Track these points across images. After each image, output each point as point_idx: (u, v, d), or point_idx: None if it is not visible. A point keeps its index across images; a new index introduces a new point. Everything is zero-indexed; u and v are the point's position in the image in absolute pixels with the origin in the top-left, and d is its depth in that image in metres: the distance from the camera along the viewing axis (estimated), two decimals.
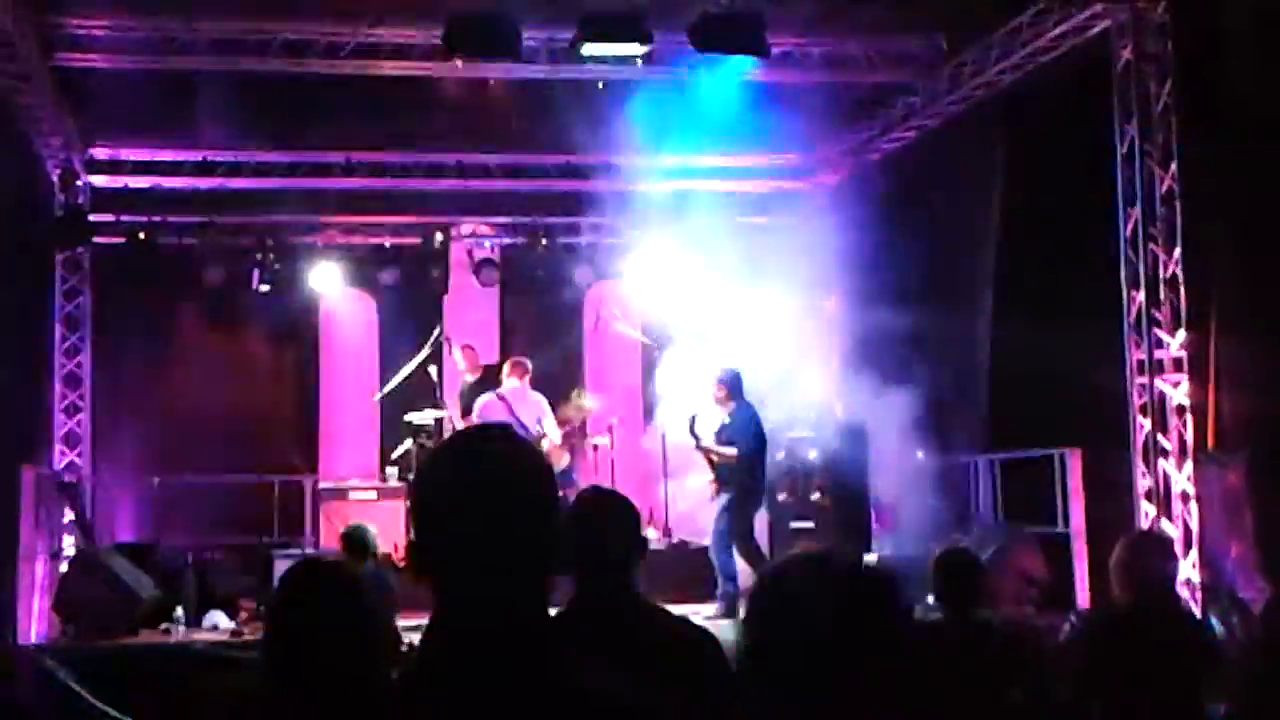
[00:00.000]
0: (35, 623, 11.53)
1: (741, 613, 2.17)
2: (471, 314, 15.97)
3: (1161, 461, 10.43)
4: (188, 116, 13.43)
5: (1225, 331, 10.16)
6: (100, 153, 14.75)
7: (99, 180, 14.90)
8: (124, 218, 14.96)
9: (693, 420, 11.56)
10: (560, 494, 2.32)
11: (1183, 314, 10.38)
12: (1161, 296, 10.50)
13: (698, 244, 15.03)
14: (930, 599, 6.23)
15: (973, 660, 5.81)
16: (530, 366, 13.00)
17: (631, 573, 3.95)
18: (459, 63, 11.39)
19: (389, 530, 11.85)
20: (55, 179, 14.51)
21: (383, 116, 13.79)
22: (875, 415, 12.64)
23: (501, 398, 12.65)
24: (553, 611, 3.73)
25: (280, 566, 11.38)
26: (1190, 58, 10.33)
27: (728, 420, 11.55)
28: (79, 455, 14.59)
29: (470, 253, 16.02)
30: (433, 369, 14.02)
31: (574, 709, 2.12)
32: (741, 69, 11.73)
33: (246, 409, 15.41)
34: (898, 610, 2.05)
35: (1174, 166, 10.42)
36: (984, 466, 12.80)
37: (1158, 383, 10.51)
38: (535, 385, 12.98)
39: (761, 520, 12.14)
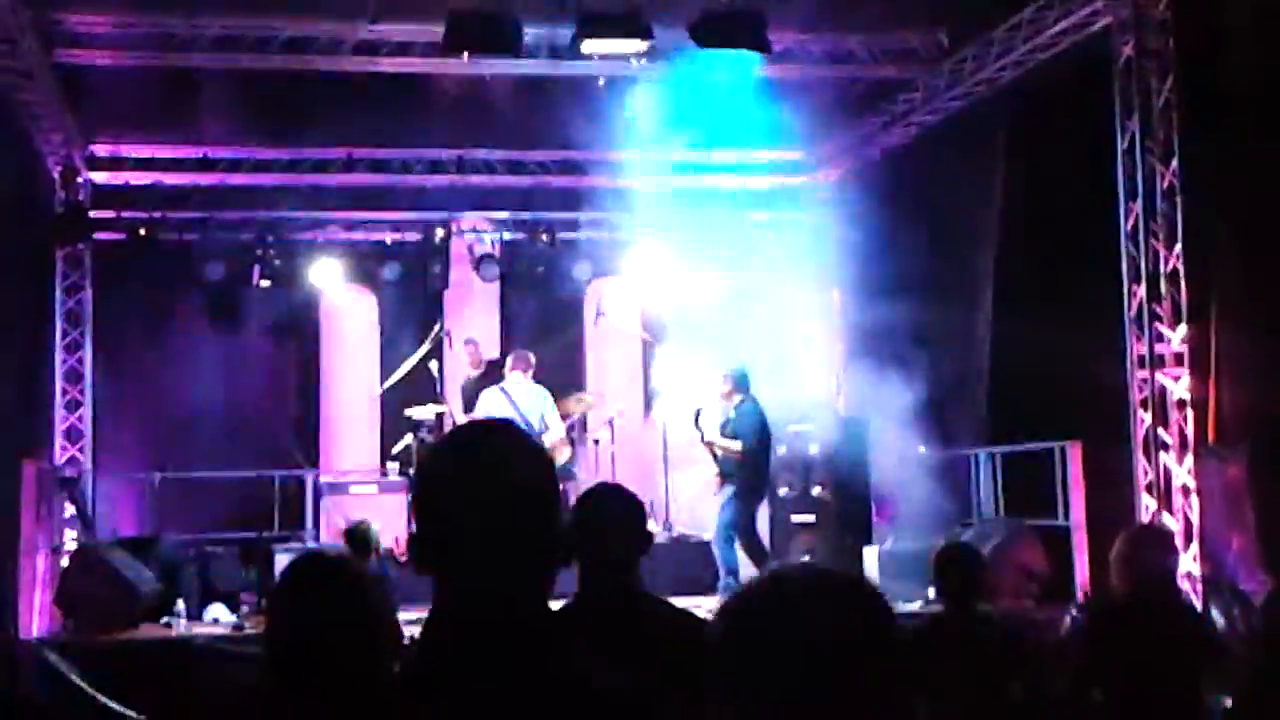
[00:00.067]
0: (36, 617, 11.53)
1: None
2: (472, 310, 15.97)
3: (1162, 455, 10.43)
4: (188, 113, 13.44)
5: (1226, 326, 10.17)
6: (101, 149, 14.76)
7: (100, 176, 14.91)
8: (125, 214, 14.95)
9: (698, 414, 11.62)
10: (561, 488, 2.32)
11: (1183, 308, 10.39)
12: (1162, 291, 10.51)
13: (698, 239, 15.04)
14: (931, 592, 6.24)
15: (973, 653, 5.82)
16: (533, 360, 13.02)
17: (636, 567, 3.96)
18: (465, 56, 11.38)
19: (390, 525, 11.86)
20: (56, 175, 14.51)
21: (383, 113, 13.80)
22: (876, 409, 12.66)
23: (504, 392, 12.67)
24: (558, 605, 3.76)
25: (281, 561, 11.40)
26: (1191, 54, 10.33)
27: (733, 415, 11.61)
28: (80, 450, 14.60)
29: (471, 248, 16.01)
30: (433, 364, 14.03)
31: (575, 702, 2.12)
32: (743, 65, 11.74)
33: (247, 404, 15.42)
34: (885, 632, 2.02)
35: (1174, 162, 10.43)
36: (984, 460, 12.80)
37: (1158, 377, 10.51)
38: (536, 380, 12.98)
39: (762, 514, 12.17)
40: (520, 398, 12.57)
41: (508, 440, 2.27)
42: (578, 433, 14.06)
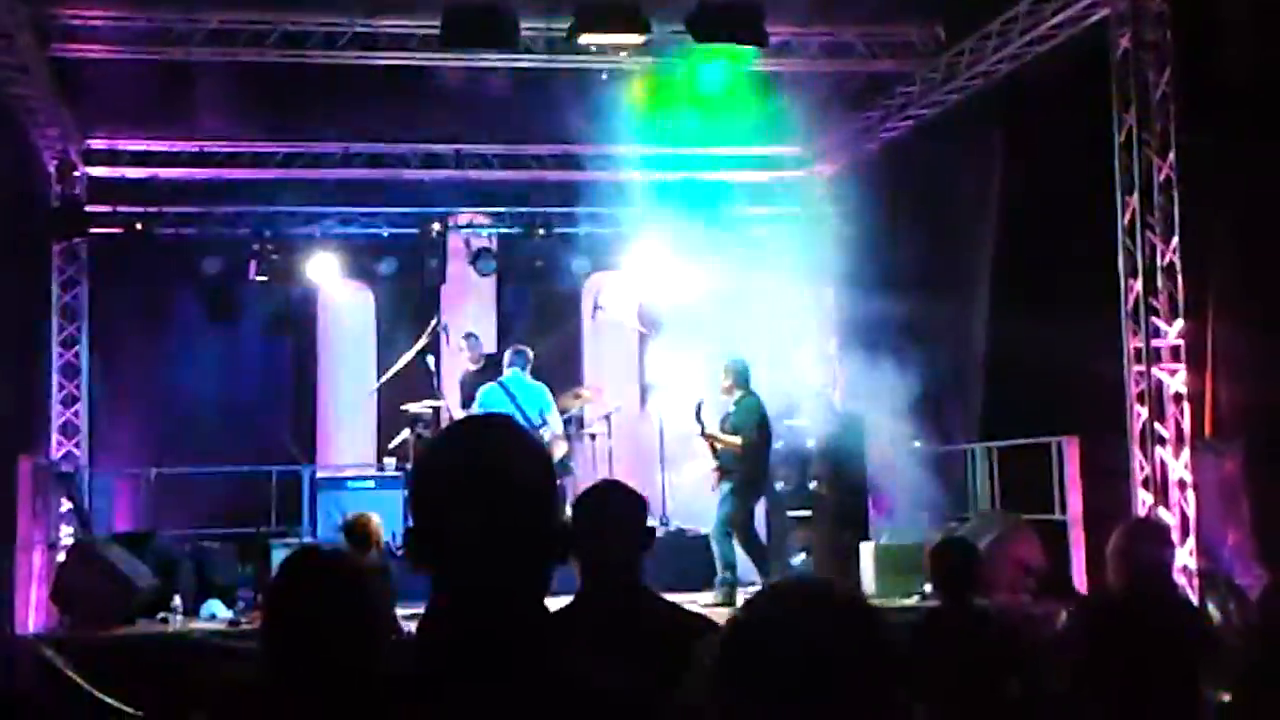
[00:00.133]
0: (33, 612, 11.53)
1: (727, 621, 2.14)
2: (469, 304, 15.96)
3: (1159, 449, 10.44)
4: (184, 107, 13.41)
5: (1222, 320, 10.17)
6: (97, 143, 14.74)
7: (96, 171, 14.88)
8: (121, 208, 14.93)
9: (698, 407, 11.62)
10: (558, 483, 2.32)
11: (1180, 303, 10.39)
12: (1159, 285, 10.51)
13: (695, 234, 15.04)
14: (927, 587, 6.24)
15: (969, 648, 5.82)
16: (531, 356, 13.02)
17: (638, 565, 3.96)
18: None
19: (386, 520, 11.84)
20: (52, 170, 14.50)
21: (380, 107, 13.79)
22: (872, 403, 12.66)
23: (503, 387, 12.66)
24: (560, 602, 3.76)
25: (278, 556, 11.38)
26: (1189, 47, 10.32)
27: (733, 409, 11.61)
28: (76, 445, 14.59)
29: (468, 243, 16.00)
30: (430, 359, 14.02)
31: (572, 700, 2.12)
32: (740, 58, 11.73)
33: (244, 399, 15.42)
34: (881, 645, 2.04)
35: (1172, 155, 10.42)
36: (981, 454, 12.81)
37: (1155, 371, 10.51)
38: (533, 375, 12.97)
39: (759, 509, 12.17)
40: (519, 393, 12.57)
41: (505, 435, 2.26)
42: (574, 428, 14.05)
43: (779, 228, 15.50)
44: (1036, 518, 11.57)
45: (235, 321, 15.71)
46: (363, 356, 15.88)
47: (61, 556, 11.96)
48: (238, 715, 3.56)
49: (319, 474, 14.18)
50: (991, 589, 9.82)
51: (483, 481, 2.16)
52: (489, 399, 12.49)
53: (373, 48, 12.15)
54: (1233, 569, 9.65)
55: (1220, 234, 10.24)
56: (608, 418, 14.20)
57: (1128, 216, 10.70)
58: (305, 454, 14.77)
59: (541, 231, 15.79)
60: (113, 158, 14.90)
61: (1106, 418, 10.84)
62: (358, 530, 9.55)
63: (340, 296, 16.05)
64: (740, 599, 9.38)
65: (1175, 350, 10.41)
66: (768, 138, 14.68)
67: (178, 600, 11.24)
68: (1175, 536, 9.69)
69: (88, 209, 14.74)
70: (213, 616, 11.42)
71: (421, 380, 13.92)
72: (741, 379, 11.70)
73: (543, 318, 16.19)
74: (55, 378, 14.63)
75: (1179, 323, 10.37)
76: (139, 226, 14.87)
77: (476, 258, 15.84)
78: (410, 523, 2.24)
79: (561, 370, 14.76)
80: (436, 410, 13.69)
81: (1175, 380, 10.40)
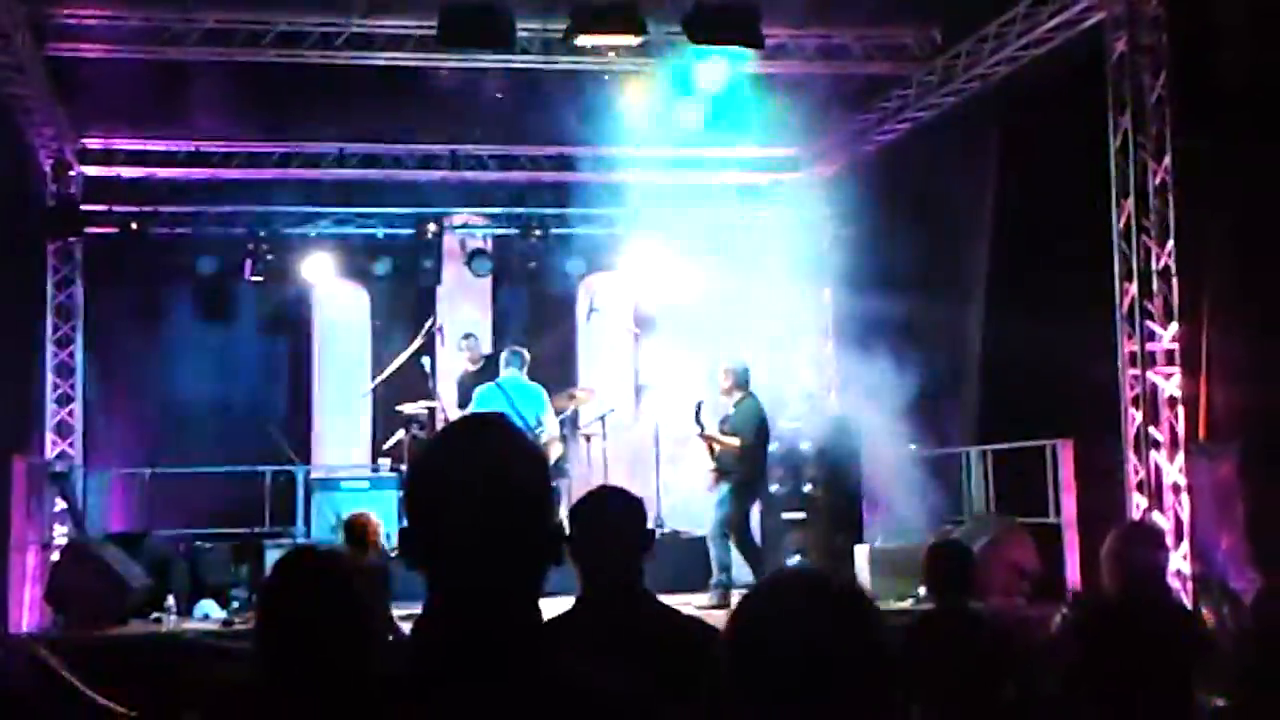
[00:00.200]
0: (27, 612, 11.52)
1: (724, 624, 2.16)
2: (464, 305, 15.96)
3: (1153, 453, 10.44)
4: (180, 107, 13.40)
5: (1217, 324, 10.17)
6: (92, 143, 14.73)
7: (91, 170, 14.87)
8: (116, 208, 14.92)
9: (698, 408, 11.62)
10: (554, 485, 2.31)
11: (1175, 306, 10.39)
12: (1154, 289, 10.51)
13: (691, 235, 15.04)
14: (922, 590, 6.24)
15: (964, 651, 5.82)
16: (528, 357, 13.00)
17: (638, 569, 3.95)
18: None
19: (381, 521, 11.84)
20: (47, 169, 14.48)
21: (376, 107, 13.78)
22: (868, 405, 12.66)
23: (500, 388, 12.64)
24: (561, 606, 3.76)
25: (272, 556, 11.37)
26: (1185, 50, 10.33)
27: (733, 411, 11.61)
28: (70, 445, 14.57)
29: (463, 244, 16.01)
30: (425, 359, 14.02)
31: (567, 699, 2.12)
32: (736, 60, 11.74)
33: (238, 399, 15.42)
34: (879, 639, 2.06)
35: (1167, 159, 10.42)
36: (976, 457, 12.81)
37: (1149, 375, 10.52)
38: (529, 376, 12.96)
39: (754, 511, 12.16)
40: (516, 395, 12.55)
41: (501, 435, 2.26)
42: (569, 429, 14.05)
43: (776, 230, 15.50)
44: (1031, 521, 11.58)
45: (230, 321, 15.71)
46: (358, 357, 15.87)
47: (55, 556, 11.94)
48: (231, 716, 3.55)
49: (313, 474, 14.16)
50: (986, 592, 9.83)
51: (478, 482, 2.16)
52: (485, 400, 12.48)
53: (369, 48, 12.14)
54: (1227, 573, 9.64)
55: (1215, 238, 10.24)
56: (603, 419, 14.20)
57: (1123, 220, 10.71)
58: (299, 454, 14.74)
59: (537, 232, 15.79)
60: (108, 157, 14.88)
61: (1101, 421, 10.85)
62: (356, 530, 9.54)
63: (335, 297, 16.05)
64: (735, 601, 9.37)
65: (1170, 354, 10.41)
66: (765, 139, 14.68)
67: (171, 600, 11.23)
68: (1169, 540, 9.70)
69: (83, 208, 14.73)
70: (206, 617, 11.42)
71: (416, 381, 13.91)
72: (741, 380, 11.72)
73: (538, 319, 16.20)
74: (50, 377, 14.61)
75: (1174, 326, 10.38)
76: (134, 226, 14.85)
77: (472, 258, 15.85)
78: (405, 523, 2.23)
79: (557, 371, 14.76)
80: (431, 411, 13.68)
81: (1170, 384, 10.40)
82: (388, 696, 2.16)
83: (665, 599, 4.14)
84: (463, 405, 13.31)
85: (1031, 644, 6.92)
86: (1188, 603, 9.47)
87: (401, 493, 11.49)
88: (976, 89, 12.68)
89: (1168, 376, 10.42)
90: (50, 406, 14.57)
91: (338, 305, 16.11)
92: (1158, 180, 10.48)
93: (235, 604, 11.57)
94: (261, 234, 15.20)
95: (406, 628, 7.51)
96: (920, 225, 13.36)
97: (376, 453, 14.59)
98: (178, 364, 15.28)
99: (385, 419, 14.53)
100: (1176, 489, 10.27)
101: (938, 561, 6.19)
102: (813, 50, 12.71)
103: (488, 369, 13.56)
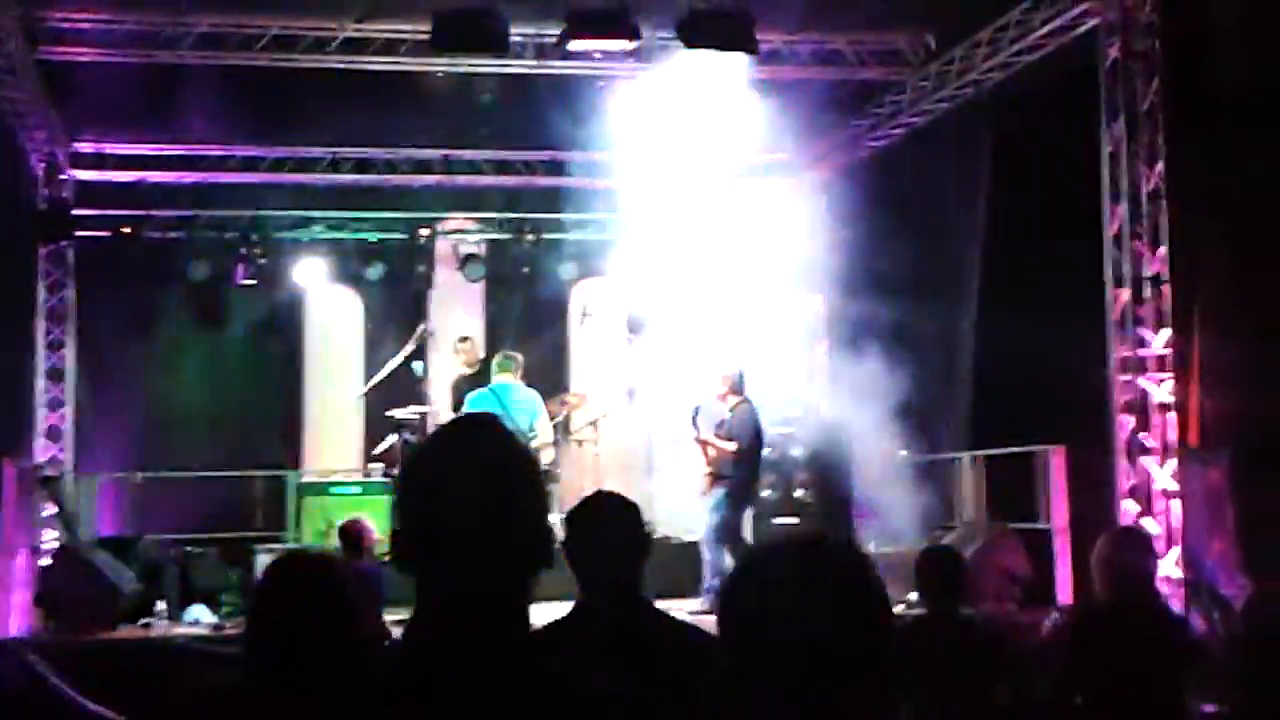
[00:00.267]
0: (17, 617, 11.48)
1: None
2: (456, 310, 15.95)
3: (1144, 459, 10.45)
4: (173, 111, 13.39)
5: (1209, 330, 10.19)
6: (85, 146, 14.71)
7: (83, 174, 14.85)
8: (108, 211, 14.92)
9: (695, 411, 11.61)
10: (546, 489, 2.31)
11: (1167, 313, 10.40)
12: (1146, 295, 10.52)
13: (684, 240, 15.03)
14: (913, 595, 6.23)
15: (956, 656, 5.82)
16: (521, 361, 12.96)
17: (637, 575, 3.95)
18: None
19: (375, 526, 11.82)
20: (39, 173, 14.46)
21: (369, 112, 13.78)
22: (860, 411, 12.66)
23: (494, 393, 12.61)
24: (559, 612, 3.75)
25: (263, 561, 11.34)
26: (1178, 57, 10.35)
27: (729, 415, 11.60)
28: (61, 449, 14.55)
29: (456, 248, 16.00)
30: (417, 364, 13.99)
31: (557, 701, 2.11)
32: (730, 65, 11.75)
33: (230, 404, 15.39)
34: (880, 599, 2.06)
35: (1160, 165, 10.44)
36: (968, 463, 12.81)
37: (1141, 380, 10.53)
38: (523, 381, 12.92)
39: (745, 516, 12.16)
40: (509, 399, 12.51)
41: (493, 437, 2.25)
42: (561, 434, 14.02)
43: (769, 234, 15.49)
44: (1022, 526, 11.58)
45: (222, 326, 15.68)
46: (350, 362, 15.85)
47: (46, 560, 11.91)
48: None
49: (304, 479, 14.14)
50: (978, 597, 9.83)
51: (469, 485, 2.15)
52: (478, 404, 12.44)
53: (362, 52, 12.14)
54: (1217, 579, 9.66)
55: (1208, 244, 10.26)
56: (594, 424, 14.18)
57: (1115, 226, 10.71)
58: (291, 459, 14.72)
59: (530, 237, 15.80)
60: (100, 161, 14.87)
61: (1093, 427, 10.85)
62: (351, 535, 9.52)
63: (328, 301, 16.03)
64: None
65: (1161, 360, 10.42)
66: (758, 144, 14.67)
67: (162, 605, 11.21)
68: (1160, 546, 9.71)
69: (75, 212, 14.71)
70: (197, 621, 11.39)
71: (408, 385, 13.89)
72: (738, 385, 11.70)
73: (530, 323, 16.18)
74: (41, 381, 14.59)
75: (1165, 332, 10.38)
76: (126, 229, 14.85)
77: (465, 263, 15.84)
78: (397, 525, 2.22)
79: (549, 376, 14.74)
80: (423, 416, 13.65)
81: (1161, 390, 10.41)
82: (378, 700, 2.16)
83: (657, 604, 4.14)
84: (456, 409, 13.28)
85: (1023, 649, 6.93)
86: (1178, 608, 9.48)
87: (393, 496, 11.47)
88: (970, 95, 12.70)
89: (1159, 382, 10.43)
90: (41, 410, 14.54)
91: (330, 310, 16.09)
92: (1150, 186, 10.50)
93: (226, 609, 11.54)
94: (254, 238, 15.19)
95: (399, 634, 7.50)
96: (914, 230, 13.37)
97: (368, 457, 14.57)
98: (169, 368, 15.26)
99: (376, 423, 14.51)
100: (1167, 495, 10.28)
101: (929, 567, 6.18)
102: (806, 56, 12.72)
103: (483, 373, 13.53)
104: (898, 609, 10.46)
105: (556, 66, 12.16)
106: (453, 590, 2.14)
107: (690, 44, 11.02)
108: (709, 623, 2.56)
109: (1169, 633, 5.73)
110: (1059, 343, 10.74)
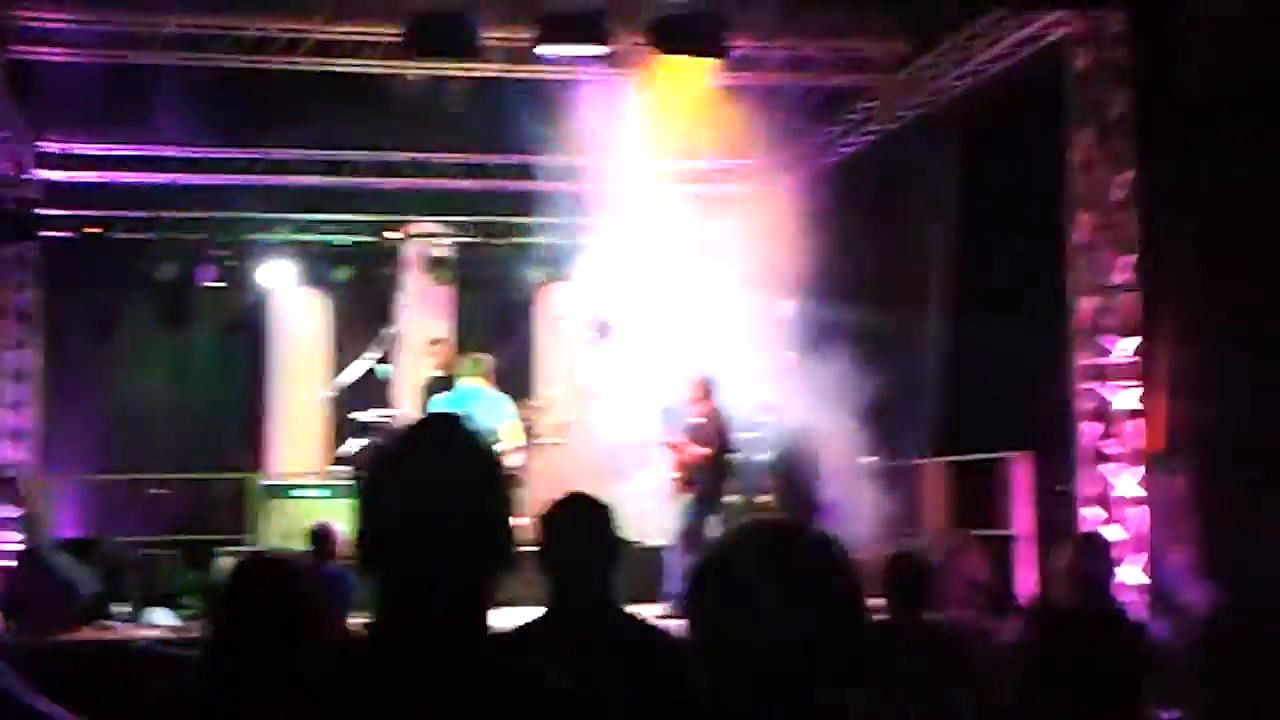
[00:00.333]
0: None
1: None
2: (424, 313, 15.92)
3: (1107, 466, 10.50)
4: (141, 111, 13.32)
5: (1173, 339, 10.24)
6: (51, 146, 14.61)
7: (49, 174, 14.75)
8: (74, 212, 14.83)
9: (667, 416, 11.62)
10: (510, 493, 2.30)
11: (1132, 321, 10.45)
12: (1111, 303, 10.57)
13: (652, 245, 15.02)
14: (878, 601, 6.24)
15: (920, 662, 5.83)
16: (488, 363, 12.89)
17: (609, 577, 3.94)
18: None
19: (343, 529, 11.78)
20: (5, 173, 14.35)
21: (339, 114, 13.73)
22: (825, 416, 12.67)
23: (462, 395, 12.55)
24: (531, 615, 3.74)
25: (224, 563, 11.27)
26: (1146, 66, 10.40)
27: (700, 421, 11.60)
28: (24, 450, 14.44)
29: (424, 251, 15.96)
30: (384, 367, 13.94)
31: (519, 703, 2.11)
32: (701, 70, 11.76)
33: (195, 406, 15.32)
34: (851, 584, 2.06)
35: (1127, 174, 10.50)
36: (933, 469, 12.85)
37: (1105, 389, 10.58)
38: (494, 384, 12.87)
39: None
40: (478, 402, 12.45)
41: (456, 439, 2.24)
42: (528, 437, 13.98)
43: (737, 239, 15.50)
44: (987, 533, 11.62)
45: (188, 327, 15.61)
46: (317, 364, 15.79)
47: (6, 562, 11.82)
48: None
49: (267, 482, 14.07)
50: (942, 603, 9.85)
51: (432, 485, 2.14)
52: (446, 406, 12.40)
53: (333, 55, 12.09)
54: (1180, 586, 9.71)
55: (1172, 253, 10.31)
56: (560, 428, 14.16)
57: (1082, 234, 10.77)
58: (255, 461, 14.65)
59: (498, 241, 15.78)
60: (67, 161, 14.76)
61: (1057, 434, 10.91)
62: (319, 538, 9.50)
63: (295, 304, 15.97)
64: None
65: (1126, 368, 10.48)
66: (727, 149, 14.69)
67: (123, 607, 11.14)
68: (1123, 553, 9.75)
69: (40, 212, 14.60)
70: (157, 624, 11.32)
71: (374, 389, 13.84)
72: (708, 390, 11.72)
73: (498, 327, 16.15)
74: (5, 382, 14.48)
75: (1130, 340, 10.44)
76: (92, 230, 14.76)
77: (432, 266, 15.81)
78: (359, 526, 2.21)
79: (515, 380, 14.70)
80: (389, 419, 13.60)
81: (1125, 398, 10.46)
82: (338, 700, 2.14)
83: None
84: (424, 411, 13.23)
85: (986, 655, 6.94)
86: (1140, 615, 9.52)
87: (355, 497, 11.42)
88: (940, 102, 12.74)
89: (1123, 390, 10.48)
90: (4, 411, 14.43)
91: (297, 312, 16.03)
92: (1117, 195, 10.55)
93: (187, 611, 11.47)
94: (221, 240, 15.13)
95: None
96: (882, 236, 13.42)
97: (332, 460, 14.51)
98: (134, 370, 15.18)
99: (342, 426, 14.45)
100: (1131, 502, 10.34)
101: (894, 573, 6.19)
102: (778, 61, 12.74)
103: (453, 376, 13.49)
104: None
105: (528, 70, 12.14)
106: (414, 591, 2.13)
107: (662, 48, 11.02)
108: (675, 627, 2.56)
109: (1128, 638, 5.76)
110: (1026, 350, 10.80)
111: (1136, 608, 9.67)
